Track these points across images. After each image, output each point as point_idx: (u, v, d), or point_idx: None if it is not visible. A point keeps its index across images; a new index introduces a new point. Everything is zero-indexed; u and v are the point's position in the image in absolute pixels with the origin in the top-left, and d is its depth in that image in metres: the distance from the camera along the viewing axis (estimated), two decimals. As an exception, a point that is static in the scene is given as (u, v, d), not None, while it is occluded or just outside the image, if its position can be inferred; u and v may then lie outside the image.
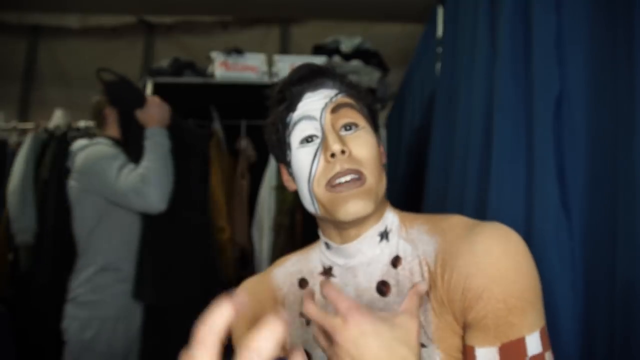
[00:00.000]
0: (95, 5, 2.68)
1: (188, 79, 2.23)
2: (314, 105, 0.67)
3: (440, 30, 1.74)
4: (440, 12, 1.76)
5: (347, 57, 2.37)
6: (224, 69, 2.17)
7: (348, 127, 0.66)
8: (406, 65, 2.41)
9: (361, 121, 0.67)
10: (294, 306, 0.73)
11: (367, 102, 0.72)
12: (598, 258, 0.80)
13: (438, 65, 1.73)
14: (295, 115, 0.68)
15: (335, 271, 0.71)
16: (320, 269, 0.73)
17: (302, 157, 0.66)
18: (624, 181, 0.74)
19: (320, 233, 0.74)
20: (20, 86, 3.19)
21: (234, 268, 2.35)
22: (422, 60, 2.09)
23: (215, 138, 2.42)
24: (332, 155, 0.62)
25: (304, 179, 0.66)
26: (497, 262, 0.57)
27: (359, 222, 0.66)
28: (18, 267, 2.33)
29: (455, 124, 1.38)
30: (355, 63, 2.30)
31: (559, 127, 0.87)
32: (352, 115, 0.67)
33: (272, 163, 2.39)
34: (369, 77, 2.26)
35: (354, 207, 0.62)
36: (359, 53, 2.40)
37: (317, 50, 2.46)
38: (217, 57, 2.18)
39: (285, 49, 3.01)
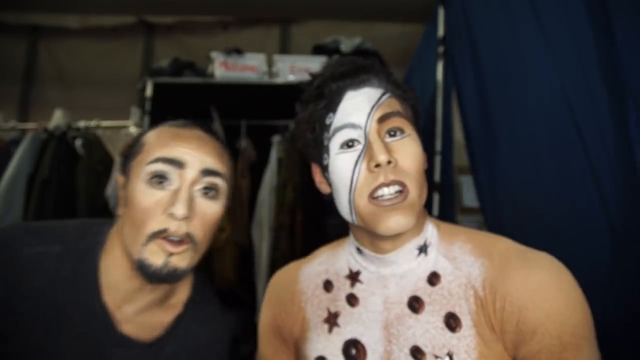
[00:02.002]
0: (95, 5, 2.67)
1: (188, 79, 2.23)
2: (358, 109, 0.62)
3: (441, 30, 1.74)
4: (441, 12, 1.76)
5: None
6: (224, 69, 2.17)
7: (393, 132, 0.62)
8: (406, 65, 2.41)
9: (407, 127, 0.64)
10: (318, 312, 0.70)
11: (413, 102, 0.68)
12: None
13: (439, 65, 1.73)
14: (337, 119, 0.63)
15: (363, 277, 0.69)
16: (346, 271, 0.71)
17: (342, 164, 0.62)
18: None
19: (351, 235, 0.71)
20: (20, 86, 3.19)
21: (234, 268, 2.34)
22: (423, 60, 2.09)
23: (215, 138, 2.42)
24: (377, 165, 0.59)
25: (345, 188, 0.62)
26: (552, 297, 0.56)
27: (397, 236, 0.64)
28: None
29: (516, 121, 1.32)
30: (355, 63, 2.30)
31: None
32: (399, 122, 0.63)
33: (272, 163, 2.39)
34: (369, 77, 2.25)
35: (395, 222, 0.59)
36: (359, 53, 2.39)
37: (317, 50, 2.45)
38: (217, 57, 2.18)
39: (285, 49, 3.01)
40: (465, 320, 0.59)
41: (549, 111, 1.15)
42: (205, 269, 2.27)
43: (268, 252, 2.30)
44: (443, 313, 0.61)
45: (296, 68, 2.18)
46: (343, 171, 0.62)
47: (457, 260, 0.64)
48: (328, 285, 0.72)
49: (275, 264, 2.14)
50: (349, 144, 0.62)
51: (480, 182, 1.59)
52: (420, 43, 2.12)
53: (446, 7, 1.74)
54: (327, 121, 0.64)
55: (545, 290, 0.56)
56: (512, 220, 1.38)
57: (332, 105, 0.64)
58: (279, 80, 2.18)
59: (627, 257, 0.90)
